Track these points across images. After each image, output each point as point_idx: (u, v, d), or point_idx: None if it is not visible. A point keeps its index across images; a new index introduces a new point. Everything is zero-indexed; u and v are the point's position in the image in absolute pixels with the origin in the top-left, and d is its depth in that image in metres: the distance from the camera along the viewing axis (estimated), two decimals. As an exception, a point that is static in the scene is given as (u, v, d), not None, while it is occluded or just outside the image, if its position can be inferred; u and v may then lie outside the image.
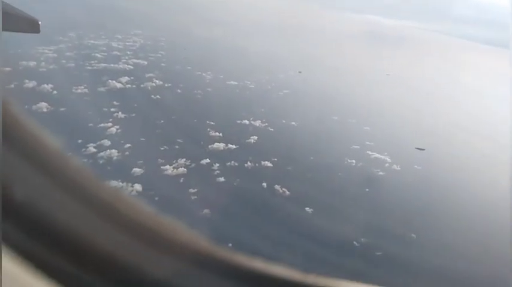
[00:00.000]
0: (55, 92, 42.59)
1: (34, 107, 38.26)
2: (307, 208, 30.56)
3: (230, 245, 24.99)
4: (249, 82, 62.45)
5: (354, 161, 40.94)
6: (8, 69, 45.15)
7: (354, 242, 27.72)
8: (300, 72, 78.02)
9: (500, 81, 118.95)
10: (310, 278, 1.49)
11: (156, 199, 27.91)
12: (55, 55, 55.17)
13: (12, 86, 41.97)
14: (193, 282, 1.48)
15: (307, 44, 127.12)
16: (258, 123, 45.40)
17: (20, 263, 1.34)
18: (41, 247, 1.38)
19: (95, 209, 1.50)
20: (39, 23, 4.02)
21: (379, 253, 27.06)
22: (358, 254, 26.65)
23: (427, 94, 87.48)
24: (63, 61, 53.66)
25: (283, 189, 32.65)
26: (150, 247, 1.52)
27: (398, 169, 41.12)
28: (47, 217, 1.39)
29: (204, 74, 61.60)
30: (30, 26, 3.93)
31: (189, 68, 63.77)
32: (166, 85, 52.50)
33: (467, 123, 65.68)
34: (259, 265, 1.52)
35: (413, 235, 29.81)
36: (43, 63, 51.23)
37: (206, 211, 27.82)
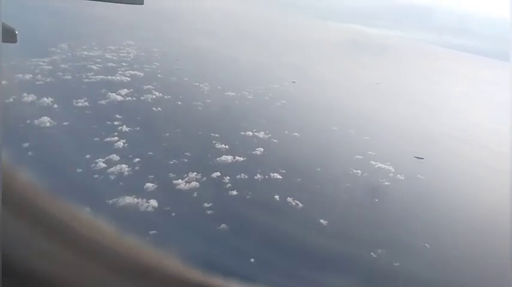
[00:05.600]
0: (56, 105, 41.75)
1: (36, 121, 37.42)
2: (321, 220, 30.65)
3: (252, 260, 24.95)
4: (246, 93, 62.58)
5: (359, 171, 41.30)
6: (4, 82, 44.15)
7: (372, 254, 27.92)
8: (294, 82, 78.60)
9: (489, 89, 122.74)
10: None
11: (173, 214, 27.59)
12: (50, 67, 54.21)
13: (11, 100, 40.97)
14: None
15: (295, 53, 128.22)
16: (261, 134, 45.44)
17: None
18: None
19: (109, 269, 1.42)
20: (16, 32, 3.93)
21: (397, 264, 27.33)
22: (377, 265, 26.82)
23: (415, 102, 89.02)
24: (60, 73, 52.76)
25: (296, 201, 32.66)
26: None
27: (403, 178, 41.65)
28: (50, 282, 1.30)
29: (201, 85, 61.42)
30: (7, 35, 3.83)
31: (186, 79, 63.51)
32: (166, 97, 52.16)
33: (460, 131, 67.15)
34: None
35: (426, 245, 30.20)
36: (39, 75, 50.27)
37: (223, 225, 27.60)
